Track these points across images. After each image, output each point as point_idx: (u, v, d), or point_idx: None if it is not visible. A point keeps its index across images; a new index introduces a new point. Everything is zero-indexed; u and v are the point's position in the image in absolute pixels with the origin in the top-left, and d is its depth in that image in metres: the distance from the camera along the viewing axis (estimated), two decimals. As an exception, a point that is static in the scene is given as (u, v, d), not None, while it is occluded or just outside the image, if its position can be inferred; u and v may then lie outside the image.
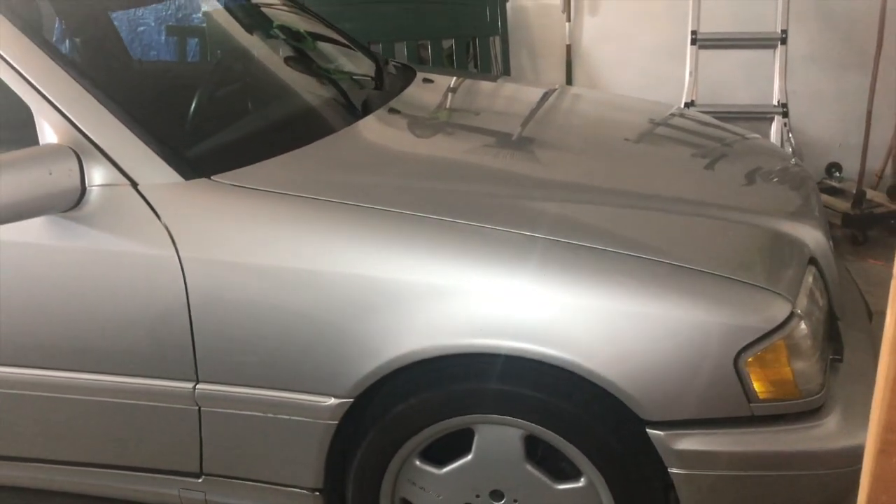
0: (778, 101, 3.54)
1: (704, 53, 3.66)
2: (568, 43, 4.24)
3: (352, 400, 1.66)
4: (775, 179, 2.22)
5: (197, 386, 1.71)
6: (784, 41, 3.52)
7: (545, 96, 2.72)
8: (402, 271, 1.60)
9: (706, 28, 3.63)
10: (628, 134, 2.40)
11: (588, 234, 1.66)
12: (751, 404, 1.55)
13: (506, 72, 4.18)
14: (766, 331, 1.53)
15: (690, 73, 3.63)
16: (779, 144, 3.46)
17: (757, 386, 1.54)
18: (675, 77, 3.84)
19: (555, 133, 2.37)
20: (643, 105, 2.81)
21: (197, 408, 1.74)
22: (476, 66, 4.19)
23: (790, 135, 3.55)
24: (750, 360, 1.53)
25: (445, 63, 4.11)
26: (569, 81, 4.27)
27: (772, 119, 3.56)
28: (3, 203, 1.54)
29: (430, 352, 1.60)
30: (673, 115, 2.68)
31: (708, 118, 2.71)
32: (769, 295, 1.58)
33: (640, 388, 1.55)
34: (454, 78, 2.88)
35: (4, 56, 1.69)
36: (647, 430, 1.57)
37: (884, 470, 1.15)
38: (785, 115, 3.52)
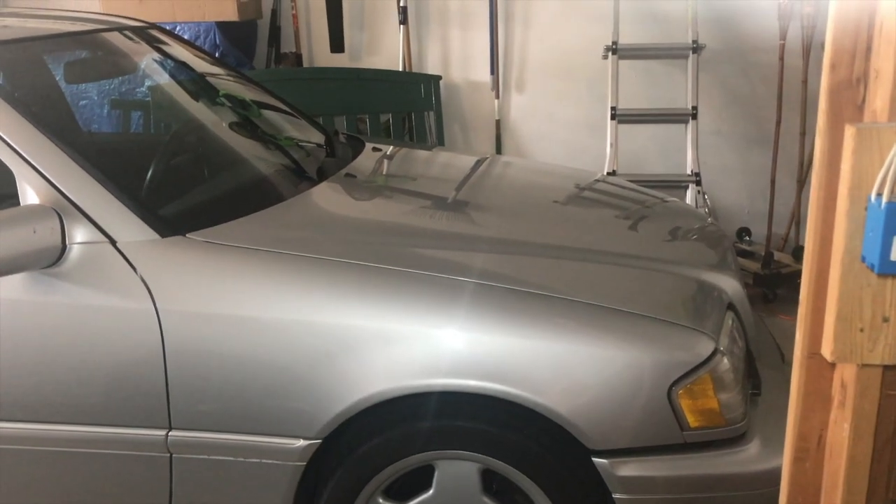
0: (691, 171, 3.85)
1: (623, 127, 3.97)
2: (497, 118, 4.52)
3: (319, 441, 1.77)
4: (694, 237, 2.46)
5: (170, 433, 1.79)
6: (695, 116, 3.85)
7: (478, 163, 2.93)
8: (362, 317, 1.74)
9: (624, 105, 3.95)
10: (557, 196, 2.61)
11: (530, 282, 1.84)
12: (683, 432, 1.74)
13: (440, 144, 4.42)
14: (694, 365, 1.72)
15: (611, 144, 3.92)
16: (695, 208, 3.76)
17: (688, 415, 1.73)
18: (596, 149, 4.14)
19: (489, 195, 2.56)
20: (569, 172, 3.05)
21: (169, 455, 1.81)
22: (411, 139, 4.41)
23: (706, 198, 3.86)
24: (681, 391, 1.72)
25: (383, 135, 4.33)
26: (499, 153, 4.53)
27: (686, 187, 3.87)
28: (-12, 259, 1.63)
29: (392, 393, 1.73)
30: (597, 180, 2.92)
31: (629, 184, 2.96)
32: (695, 334, 1.78)
33: (586, 419, 1.71)
34: (399, 148, 3.08)
35: (-11, 124, 1.80)
36: (593, 458, 1.73)
37: (799, 475, 1.33)
38: (698, 182, 3.83)
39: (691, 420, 1.73)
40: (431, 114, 4.42)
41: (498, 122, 4.53)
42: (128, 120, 3.94)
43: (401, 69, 4.47)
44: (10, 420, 1.82)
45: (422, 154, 3.13)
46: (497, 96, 4.49)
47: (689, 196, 3.81)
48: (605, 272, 2.00)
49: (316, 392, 1.74)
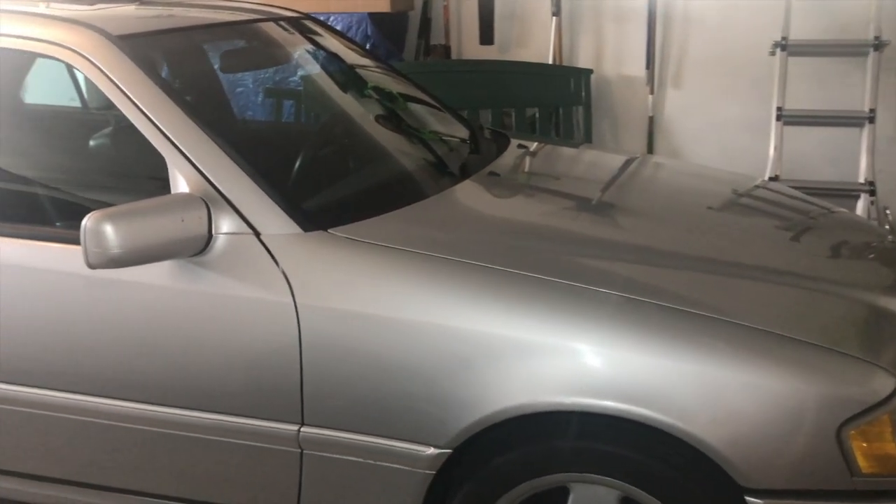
0: (865, 179, 3.53)
1: (788, 130, 3.69)
2: (650, 115, 4.32)
3: (450, 451, 1.71)
4: (867, 254, 2.22)
5: (301, 429, 1.78)
6: (872, 120, 3.53)
7: (628, 163, 2.77)
8: (505, 326, 1.65)
9: (791, 105, 3.67)
10: (711, 202, 2.43)
11: (685, 299, 1.70)
12: (853, 478, 1.55)
13: (587, 141, 4.27)
14: (870, 404, 1.53)
15: (775, 147, 3.65)
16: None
17: (860, 460, 1.54)
18: (757, 152, 3.86)
19: (635, 199, 2.40)
20: (726, 176, 2.83)
21: (299, 451, 1.80)
22: (558, 135, 4.29)
23: (887, 212, 3.52)
24: (853, 432, 1.53)
25: (529, 130, 4.23)
26: (650, 152, 4.33)
27: (858, 197, 3.55)
28: (138, 246, 1.66)
29: (530, 408, 1.64)
30: (757, 186, 2.70)
31: (792, 191, 2.72)
32: (871, 367, 1.58)
33: (740, 453, 1.56)
34: (546, 145, 2.97)
35: (146, 112, 1.84)
36: (746, 497, 1.58)
37: None
38: (872, 192, 3.51)
39: (863, 465, 1.54)
40: (580, 109, 4.28)
41: (651, 120, 4.33)
42: (280, 109, 4.05)
43: (550, 62, 4.35)
44: (149, 402, 1.86)
45: (568, 152, 3.01)
46: (651, 92, 4.29)
47: (861, 207, 3.49)
48: (764, 291, 1.83)
49: (451, 400, 1.68)
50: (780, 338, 1.61)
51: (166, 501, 1.96)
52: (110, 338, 1.86)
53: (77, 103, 2.89)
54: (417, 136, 2.43)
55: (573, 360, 1.62)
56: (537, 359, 1.63)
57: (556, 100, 4.24)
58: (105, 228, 1.63)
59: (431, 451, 1.71)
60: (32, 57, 1.95)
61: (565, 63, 4.40)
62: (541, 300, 1.68)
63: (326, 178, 2.14)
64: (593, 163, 2.88)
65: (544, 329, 1.65)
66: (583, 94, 4.24)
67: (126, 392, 1.87)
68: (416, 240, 1.81)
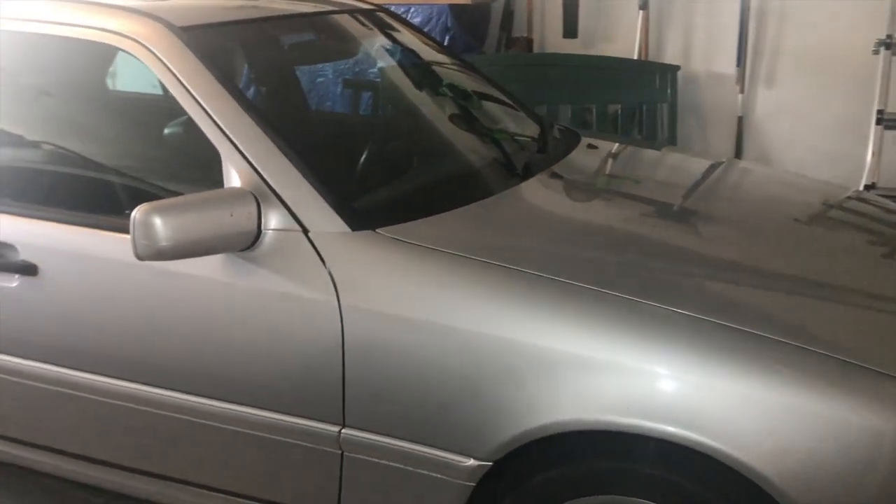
0: (972, 190, 3.28)
1: (890, 135, 3.46)
2: (739, 115, 4.13)
3: (490, 464, 1.65)
4: None
5: (342, 430, 1.75)
6: (984, 126, 3.27)
7: (711, 168, 2.64)
8: (554, 340, 1.58)
9: (894, 108, 3.43)
10: (799, 214, 2.28)
11: (752, 319, 1.58)
12: (930, 526, 1.41)
13: (671, 141, 4.12)
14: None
15: (873, 153, 3.43)
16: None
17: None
18: (854, 157, 3.64)
19: (718, 207, 2.29)
20: (817, 185, 2.67)
21: (340, 452, 1.77)
22: (640, 133, 4.14)
23: None
24: (933, 477, 1.40)
25: (610, 128, 4.10)
26: (737, 155, 4.14)
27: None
28: (186, 239, 1.65)
29: (575, 425, 1.56)
30: (850, 197, 2.52)
31: (890, 203, 2.53)
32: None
33: (799, 488, 1.44)
34: (619, 144, 2.86)
35: (202, 104, 1.84)
36: (803, 537, 1.46)
37: None
38: (980, 205, 3.25)
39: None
40: (665, 107, 4.12)
41: (740, 120, 4.14)
42: (358, 100, 4.05)
43: (636, 58, 4.20)
44: (194, 393, 1.86)
45: (641, 153, 2.89)
46: (741, 91, 4.10)
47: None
48: (848, 316, 1.69)
49: (495, 411, 1.61)
50: (860, 369, 1.48)
51: (209, 492, 1.97)
52: (160, 328, 1.87)
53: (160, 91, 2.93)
54: (479, 135, 2.36)
55: (627, 379, 1.54)
56: (588, 375, 1.55)
57: (639, 97, 4.10)
58: (154, 221, 1.63)
59: (471, 462, 1.65)
60: (97, 47, 1.97)
61: (651, 58, 4.25)
62: (597, 314, 1.60)
63: (381, 175, 2.10)
64: (668, 165, 2.75)
65: (598, 345, 1.56)
66: (668, 91, 4.08)
67: (173, 382, 1.88)
68: (466, 244, 1.75)
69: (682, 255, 1.89)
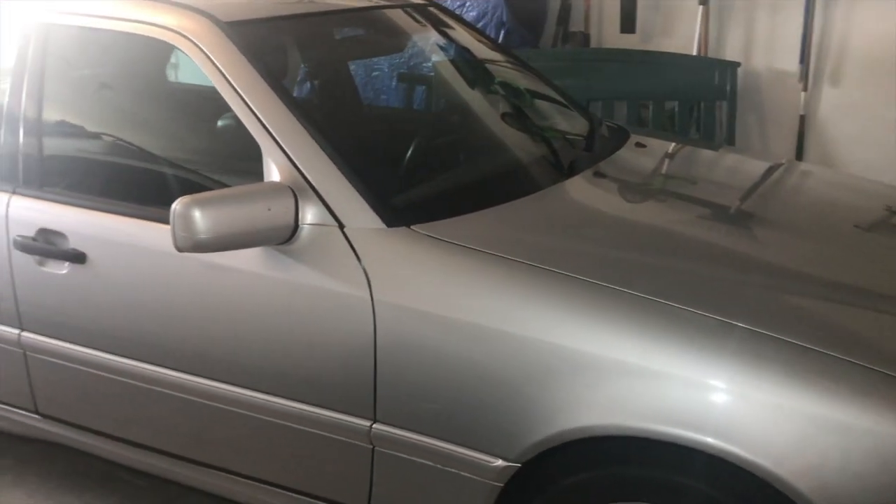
0: None
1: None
2: (802, 113, 4.00)
3: (519, 465, 1.63)
4: None
5: (374, 425, 1.76)
6: None
7: (769, 171, 2.56)
8: (591, 344, 1.56)
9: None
10: (860, 220, 2.19)
11: (800, 330, 1.53)
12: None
13: (730, 139, 4.01)
14: None
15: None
16: None
17: None
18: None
19: (776, 212, 2.22)
20: (882, 189, 2.56)
21: (371, 447, 1.78)
22: (698, 131, 4.05)
23: None
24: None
25: (666, 126, 4.02)
26: (799, 155, 4.01)
27: None
28: (224, 232, 1.68)
29: (608, 430, 1.54)
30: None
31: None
32: None
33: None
34: (669, 143, 2.79)
35: (245, 98, 1.86)
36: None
37: None
38: None
39: None
40: (724, 104, 4.02)
41: (802, 119, 4.01)
42: (412, 94, 4.05)
43: (695, 53, 4.11)
44: (232, 383, 1.89)
45: (692, 152, 2.82)
46: (805, 89, 3.96)
47: None
48: None
49: (527, 413, 1.60)
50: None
51: (246, 480, 2.00)
52: (200, 318, 1.91)
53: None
54: (522, 132, 2.34)
55: (665, 386, 1.50)
56: (622, 380, 1.53)
57: (697, 94, 4.01)
58: (193, 213, 1.65)
59: (500, 462, 1.64)
60: (146, 41, 2.01)
61: (710, 54, 4.14)
62: (632, 318, 1.56)
63: (422, 171, 2.09)
64: (723, 166, 2.68)
65: (643, 353, 1.53)
66: (727, 88, 3.98)
67: (212, 371, 1.92)
68: (500, 242, 1.74)
69: (733, 262, 1.84)
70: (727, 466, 1.46)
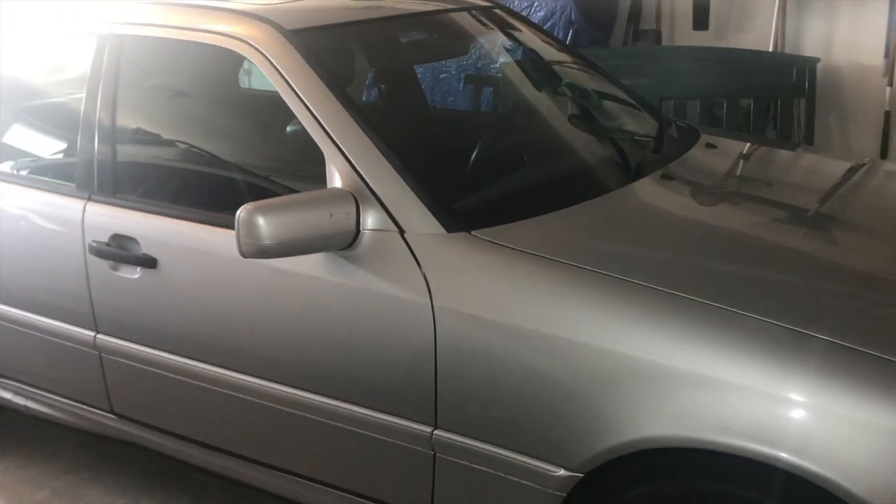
0: None
1: None
2: (887, 109, 3.82)
3: (581, 475, 1.60)
4: None
5: (435, 432, 1.75)
6: None
7: (851, 171, 2.46)
8: (659, 354, 1.51)
9: None
10: None
11: (882, 342, 1.46)
12: None
13: (808, 138, 3.86)
14: None
15: None
16: None
17: None
18: None
19: (858, 215, 2.12)
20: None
21: (432, 453, 1.77)
22: (775, 130, 3.91)
23: None
24: None
25: (741, 125, 3.89)
26: (883, 153, 3.84)
27: None
28: (287, 238, 1.70)
29: (673, 441, 1.49)
30: None
31: None
32: None
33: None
34: (743, 144, 2.70)
35: (308, 106, 1.88)
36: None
37: None
38: None
39: None
40: (802, 102, 3.88)
41: (888, 115, 3.84)
42: (479, 96, 4.03)
43: (771, 49, 3.97)
44: (296, 387, 1.91)
45: (765, 153, 2.72)
46: (890, 83, 3.79)
47: None
48: None
49: (592, 422, 1.56)
50: None
51: (311, 483, 2.02)
52: (266, 322, 1.93)
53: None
54: (588, 134, 2.30)
55: (730, 397, 1.45)
56: (690, 391, 1.48)
57: (774, 91, 3.87)
58: (257, 220, 1.67)
59: (562, 472, 1.62)
60: (214, 49, 2.05)
61: (788, 50, 4.00)
62: (702, 328, 1.51)
63: (485, 175, 2.07)
64: (800, 167, 2.58)
65: (702, 361, 1.48)
66: (806, 85, 3.83)
67: (277, 375, 1.94)
68: (562, 248, 1.71)
69: (810, 268, 1.77)
70: (800, 483, 1.40)
